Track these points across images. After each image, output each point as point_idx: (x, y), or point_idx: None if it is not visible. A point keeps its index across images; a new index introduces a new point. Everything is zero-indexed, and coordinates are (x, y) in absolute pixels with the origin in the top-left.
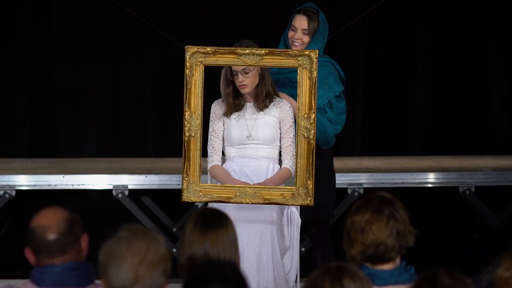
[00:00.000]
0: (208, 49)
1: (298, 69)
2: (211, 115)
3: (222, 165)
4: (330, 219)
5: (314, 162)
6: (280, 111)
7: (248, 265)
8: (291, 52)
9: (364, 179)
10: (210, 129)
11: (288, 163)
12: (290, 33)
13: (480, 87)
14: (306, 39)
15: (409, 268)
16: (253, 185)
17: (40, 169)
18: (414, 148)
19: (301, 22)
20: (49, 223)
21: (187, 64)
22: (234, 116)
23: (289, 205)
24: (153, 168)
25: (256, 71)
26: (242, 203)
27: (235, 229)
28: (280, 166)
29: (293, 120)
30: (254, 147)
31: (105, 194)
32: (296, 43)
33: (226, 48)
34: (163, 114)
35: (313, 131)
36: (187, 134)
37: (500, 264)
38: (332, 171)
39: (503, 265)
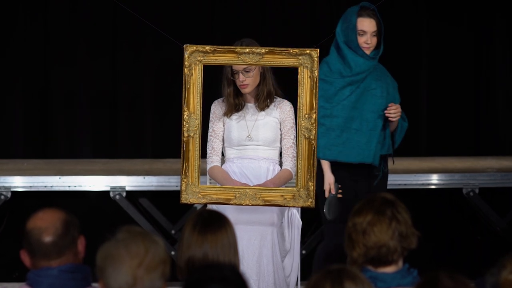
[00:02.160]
0: (207, 48)
1: (299, 68)
2: (211, 115)
3: (221, 166)
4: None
5: (315, 163)
6: (281, 112)
7: (248, 268)
8: (291, 51)
9: None
10: (210, 130)
11: (288, 164)
12: (361, 39)
13: (484, 88)
14: (374, 40)
15: (412, 271)
16: (253, 186)
17: (36, 170)
18: (417, 149)
19: (370, 25)
20: (46, 225)
21: (186, 63)
22: (235, 116)
23: (289, 206)
24: (151, 169)
25: (257, 70)
26: (242, 204)
27: (235, 231)
28: (281, 168)
29: (294, 121)
30: (254, 148)
31: (102, 195)
32: (366, 46)
33: (225, 47)
34: (161, 114)
35: (314, 132)
36: (185, 134)
37: (504, 266)
38: None
39: (508, 267)
